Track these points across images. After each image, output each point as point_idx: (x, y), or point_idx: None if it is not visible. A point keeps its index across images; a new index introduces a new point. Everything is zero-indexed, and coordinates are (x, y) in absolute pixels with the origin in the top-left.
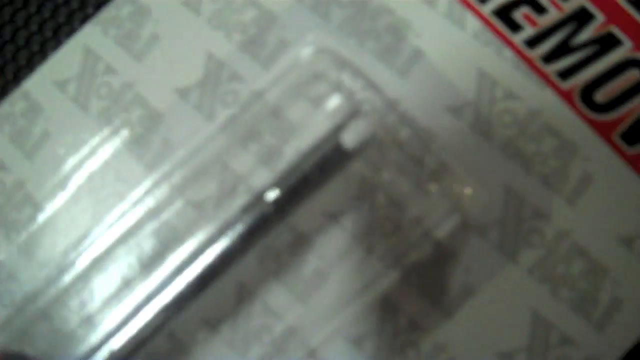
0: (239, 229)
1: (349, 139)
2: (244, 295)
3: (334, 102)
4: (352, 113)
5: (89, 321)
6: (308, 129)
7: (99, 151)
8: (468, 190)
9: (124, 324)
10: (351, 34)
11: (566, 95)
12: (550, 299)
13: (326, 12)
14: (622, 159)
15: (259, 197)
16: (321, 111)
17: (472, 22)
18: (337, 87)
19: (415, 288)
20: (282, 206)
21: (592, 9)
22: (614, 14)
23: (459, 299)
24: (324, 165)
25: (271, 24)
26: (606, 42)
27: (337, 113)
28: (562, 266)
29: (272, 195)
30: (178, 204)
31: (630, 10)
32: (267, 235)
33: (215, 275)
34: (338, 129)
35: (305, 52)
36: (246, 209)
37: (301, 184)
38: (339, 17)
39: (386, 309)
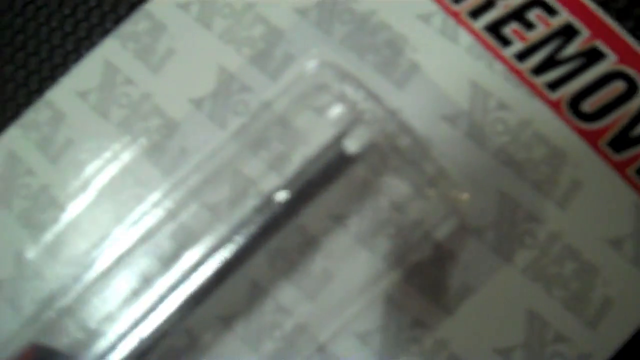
0: (250, 229)
1: (351, 145)
2: (256, 293)
3: (336, 111)
4: (354, 121)
5: (110, 317)
6: (313, 136)
7: (119, 157)
8: (465, 195)
9: (143, 320)
10: (352, 48)
11: (555, 105)
12: (545, 298)
13: (329, 28)
14: (609, 165)
15: (268, 199)
16: (325, 120)
17: (465, 38)
18: (340, 98)
19: (417, 287)
20: (290, 207)
21: (578, 24)
22: (599, 30)
23: (458, 298)
24: (328, 169)
25: (278, 39)
26: (592, 56)
27: (340, 121)
28: (554, 266)
29: (281, 196)
30: (193, 207)
31: (615, 25)
32: (277, 235)
33: (229, 274)
34: (340, 136)
35: (310, 65)
36: (257, 210)
37: (307, 187)
38: (341, 33)
39: (390, 307)
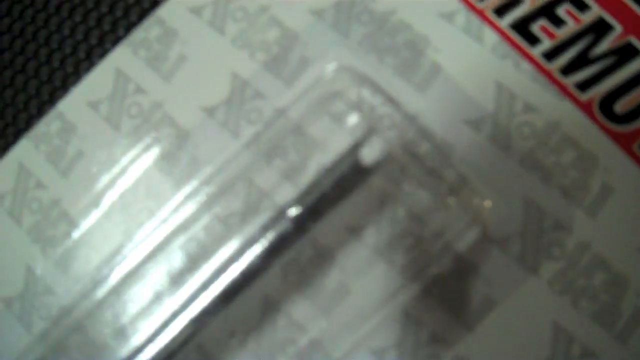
0: (262, 244)
1: (368, 155)
2: (269, 308)
3: (352, 119)
4: (370, 130)
5: (121, 333)
6: (330, 145)
7: (130, 169)
8: (488, 203)
9: (155, 335)
10: (371, 50)
11: (585, 107)
12: (571, 311)
13: (346, 29)
14: None
15: (281, 213)
16: (342, 127)
17: (490, 36)
18: (357, 104)
19: (437, 301)
20: (303, 222)
21: (610, 19)
22: (632, 24)
23: (480, 312)
24: (342, 181)
25: (293, 42)
26: (625, 53)
27: (356, 130)
28: (583, 278)
29: (293, 212)
30: (206, 219)
31: None
32: (290, 249)
33: (241, 288)
34: (356, 146)
35: (326, 69)
36: (269, 225)
37: (320, 201)
38: (359, 34)
39: (407, 322)
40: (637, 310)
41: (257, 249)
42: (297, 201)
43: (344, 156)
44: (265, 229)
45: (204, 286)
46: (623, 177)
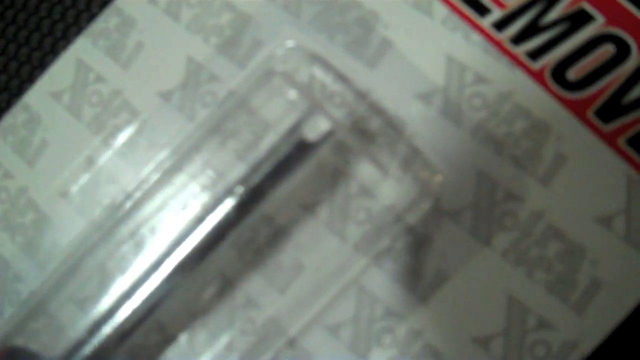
0: (208, 223)
1: (312, 132)
2: (226, 286)
3: (293, 95)
4: (312, 107)
5: (81, 309)
6: (282, 124)
7: (92, 156)
8: (439, 176)
9: (111, 314)
10: (322, 29)
11: (537, 75)
12: (526, 282)
13: (297, 9)
14: (597, 136)
15: (225, 193)
16: (291, 106)
17: (440, 9)
18: (308, 82)
19: (390, 275)
20: (247, 202)
21: None
22: None
23: (433, 285)
24: (286, 160)
25: (246, 25)
26: (577, 19)
27: (299, 108)
28: (537, 248)
29: (237, 191)
30: (159, 199)
31: None
32: (237, 228)
33: (192, 266)
34: (299, 123)
35: (278, 50)
36: (211, 206)
37: (266, 180)
38: (310, 14)
39: (361, 297)
40: (594, 280)
41: (204, 228)
42: (241, 181)
43: (285, 135)
44: (208, 209)
45: (157, 264)
46: (577, 145)
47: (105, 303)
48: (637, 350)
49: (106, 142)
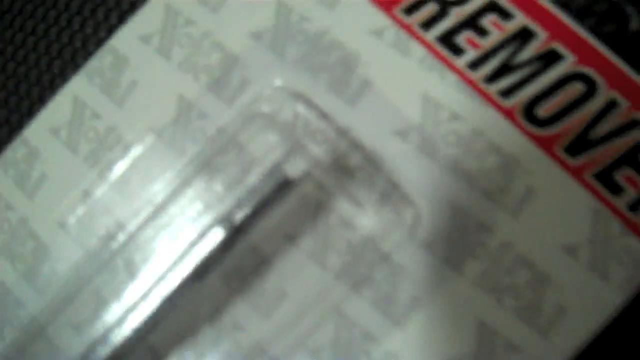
0: (201, 251)
1: (293, 169)
2: (215, 314)
3: (279, 135)
4: (293, 146)
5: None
6: (266, 161)
7: (89, 189)
8: (415, 209)
9: (106, 337)
10: (306, 69)
11: (508, 113)
12: (496, 308)
13: (283, 50)
14: (565, 170)
15: (215, 225)
16: (276, 145)
17: (417, 50)
18: (291, 121)
19: (367, 301)
20: (234, 236)
21: (534, 27)
22: (557, 31)
23: (408, 310)
24: (270, 196)
25: (233, 65)
26: (549, 58)
27: (282, 146)
28: (506, 276)
29: (216, 232)
30: (150, 231)
31: (573, 25)
32: (226, 258)
33: (183, 292)
34: (281, 161)
35: (263, 89)
36: (203, 236)
37: (249, 216)
38: (295, 54)
39: (341, 321)
40: (559, 306)
41: (193, 258)
42: (228, 215)
43: (268, 173)
44: (197, 240)
45: (149, 291)
46: (545, 179)
47: (100, 327)
48: None
49: (102, 176)
